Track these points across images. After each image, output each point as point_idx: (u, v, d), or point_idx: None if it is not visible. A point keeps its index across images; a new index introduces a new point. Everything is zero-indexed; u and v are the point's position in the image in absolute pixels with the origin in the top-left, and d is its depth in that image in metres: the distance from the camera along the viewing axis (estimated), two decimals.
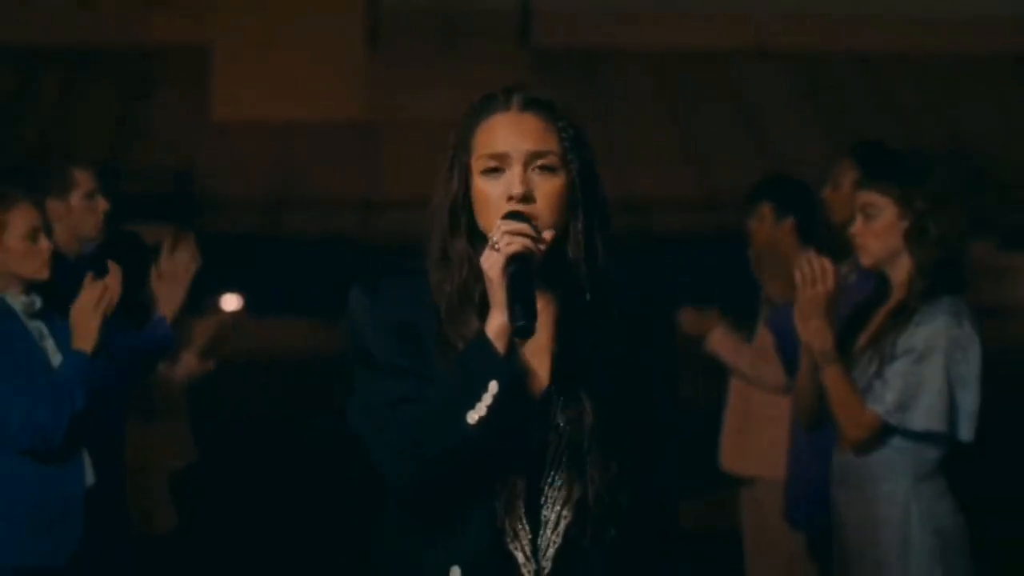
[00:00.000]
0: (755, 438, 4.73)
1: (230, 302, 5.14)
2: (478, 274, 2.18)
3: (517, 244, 2.11)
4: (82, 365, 3.47)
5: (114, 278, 3.43)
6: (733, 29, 15.16)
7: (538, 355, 2.22)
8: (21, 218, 3.48)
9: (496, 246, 2.12)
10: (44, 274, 3.47)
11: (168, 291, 3.86)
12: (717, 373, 4.78)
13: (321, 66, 14.38)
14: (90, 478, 3.53)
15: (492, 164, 2.20)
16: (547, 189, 2.20)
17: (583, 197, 2.24)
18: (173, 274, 3.86)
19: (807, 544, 4.27)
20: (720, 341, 4.68)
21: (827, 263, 3.38)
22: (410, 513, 2.25)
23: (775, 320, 4.43)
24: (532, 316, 2.08)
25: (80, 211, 3.92)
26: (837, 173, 4.30)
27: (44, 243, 3.47)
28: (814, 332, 3.34)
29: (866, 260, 3.51)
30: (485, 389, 2.11)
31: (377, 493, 2.30)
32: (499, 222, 2.15)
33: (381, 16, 15.40)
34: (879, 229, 3.47)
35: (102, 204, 3.90)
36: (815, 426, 3.62)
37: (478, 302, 2.19)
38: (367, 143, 13.29)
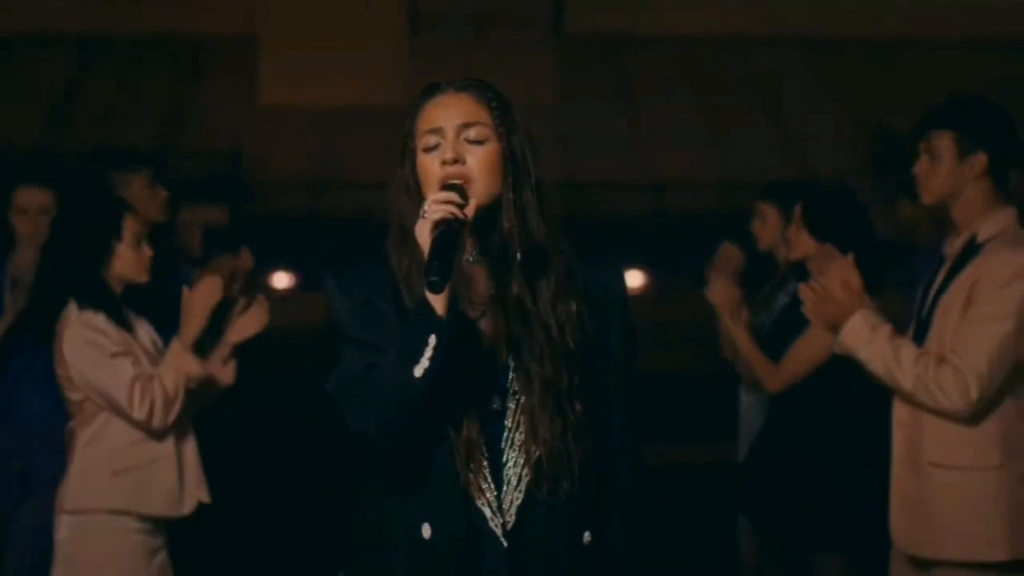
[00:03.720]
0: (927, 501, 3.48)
1: (281, 279, 5.27)
2: None
3: (441, 211, 2.23)
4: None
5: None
6: (755, 16, 15.12)
7: (490, 325, 2.32)
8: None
9: (424, 215, 2.24)
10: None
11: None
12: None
13: (363, 54, 14.42)
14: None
15: (431, 141, 2.34)
16: (478, 156, 2.33)
17: (513, 168, 2.31)
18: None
19: None
20: (861, 333, 3.46)
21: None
22: (382, 473, 2.36)
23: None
24: (445, 274, 2.20)
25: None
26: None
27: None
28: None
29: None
30: (426, 344, 2.19)
31: (355, 459, 2.41)
32: (429, 195, 2.27)
33: (421, 5, 15.42)
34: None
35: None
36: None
37: None
38: None
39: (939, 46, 14.79)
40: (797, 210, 4.34)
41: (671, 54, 15.20)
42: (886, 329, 3.46)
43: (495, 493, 2.32)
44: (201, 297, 3.70)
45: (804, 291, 3.60)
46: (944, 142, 3.48)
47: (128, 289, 3.70)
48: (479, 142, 2.31)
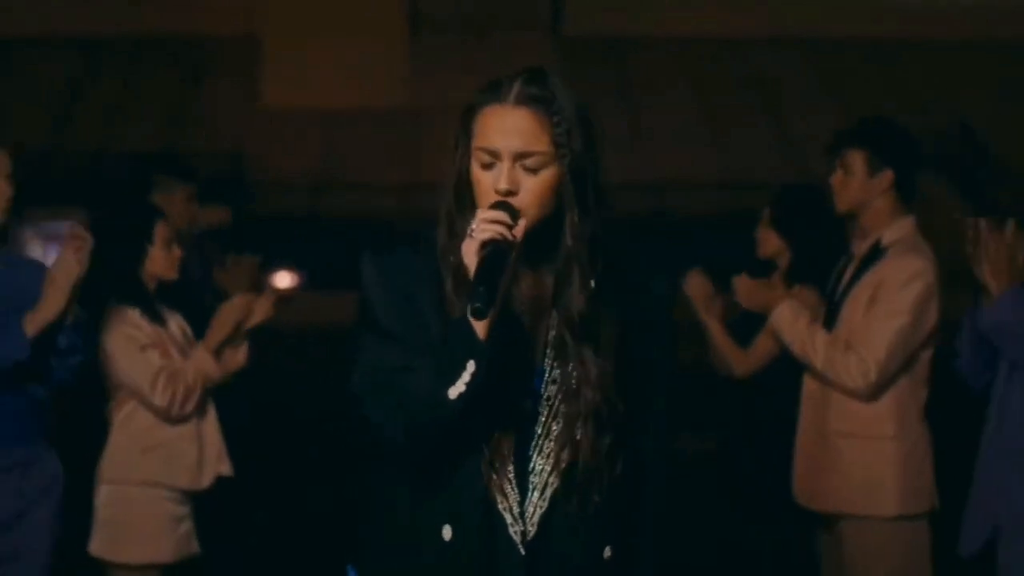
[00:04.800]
0: (833, 463, 4.05)
1: (284, 279, 5.27)
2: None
3: (490, 231, 2.16)
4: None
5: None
6: (755, 16, 15.14)
7: (530, 327, 2.26)
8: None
9: (472, 233, 2.17)
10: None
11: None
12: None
13: (364, 54, 14.43)
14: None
15: (486, 159, 2.24)
16: (533, 185, 2.23)
17: (576, 189, 2.25)
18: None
19: None
20: (786, 319, 4.08)
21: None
22: (403, 472, 2.30)
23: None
24: (490, 300, 2.13)
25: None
26: None
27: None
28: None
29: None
30: (464, 368, 2.15)
31: (373, 456, 2.35)
32: (479, 212, 2.20)
33: (421, 6, 15.44)
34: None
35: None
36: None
37: None
38: (408, 129, 13.34)
39: (939, 46, 14.80)
40: (766, 211, 4.75)
41: (671, 54, 15.21)
42: (806, 317, 4.09)
43: (518, 499, 2.25)
44: (230, 311, 4.19)
45: (737, 283, 4.20)
46: (856, 159, 4.04)
47: (160, 285, 4.14)
48: (535, 170, 2.22)
